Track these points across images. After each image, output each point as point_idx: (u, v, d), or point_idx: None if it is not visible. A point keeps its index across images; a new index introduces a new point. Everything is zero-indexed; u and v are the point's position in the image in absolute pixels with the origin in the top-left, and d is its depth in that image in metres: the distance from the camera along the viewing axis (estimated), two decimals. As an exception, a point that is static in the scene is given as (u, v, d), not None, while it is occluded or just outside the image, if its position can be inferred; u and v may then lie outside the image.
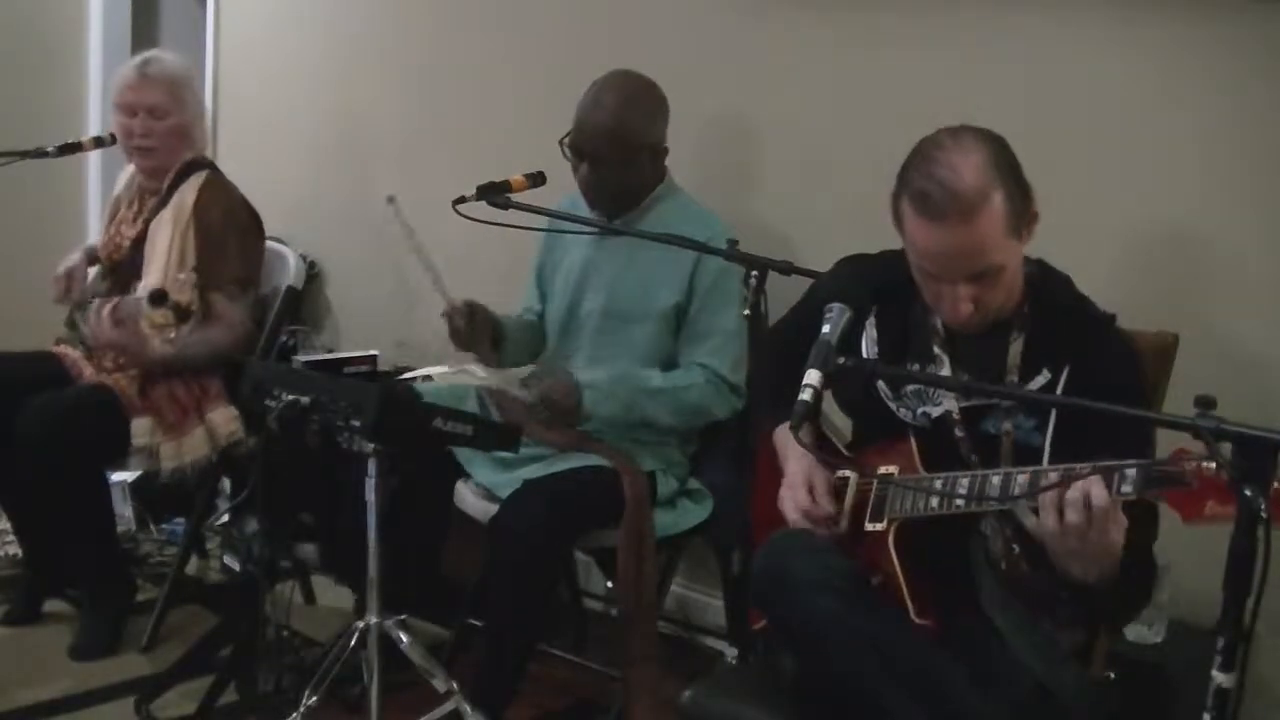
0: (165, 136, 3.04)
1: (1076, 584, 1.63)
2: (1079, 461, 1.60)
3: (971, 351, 1.89)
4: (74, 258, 3.13)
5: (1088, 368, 1.80)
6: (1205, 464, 1.43)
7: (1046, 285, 1.90)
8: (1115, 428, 1.63)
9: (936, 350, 1.92)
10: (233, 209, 3.07)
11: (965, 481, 1.74)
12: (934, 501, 1.78)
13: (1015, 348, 1.86)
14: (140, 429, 2.88)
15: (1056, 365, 1.82)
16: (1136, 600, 1.81)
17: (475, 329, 2.60)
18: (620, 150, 2.58)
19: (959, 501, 1.74)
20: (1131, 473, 1.53)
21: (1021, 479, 1.66)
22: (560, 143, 2.62)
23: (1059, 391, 1.80)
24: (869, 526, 1.89)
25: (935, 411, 1.90)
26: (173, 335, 2.83)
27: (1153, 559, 1.74)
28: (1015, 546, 1.82)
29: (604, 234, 2.62)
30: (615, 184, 2.62)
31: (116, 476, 3.37)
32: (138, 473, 3.27)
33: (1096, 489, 1.54)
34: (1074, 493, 1.55)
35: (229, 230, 3.03)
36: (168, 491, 3.19)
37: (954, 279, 1.78)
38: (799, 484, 1.95)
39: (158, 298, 2.74)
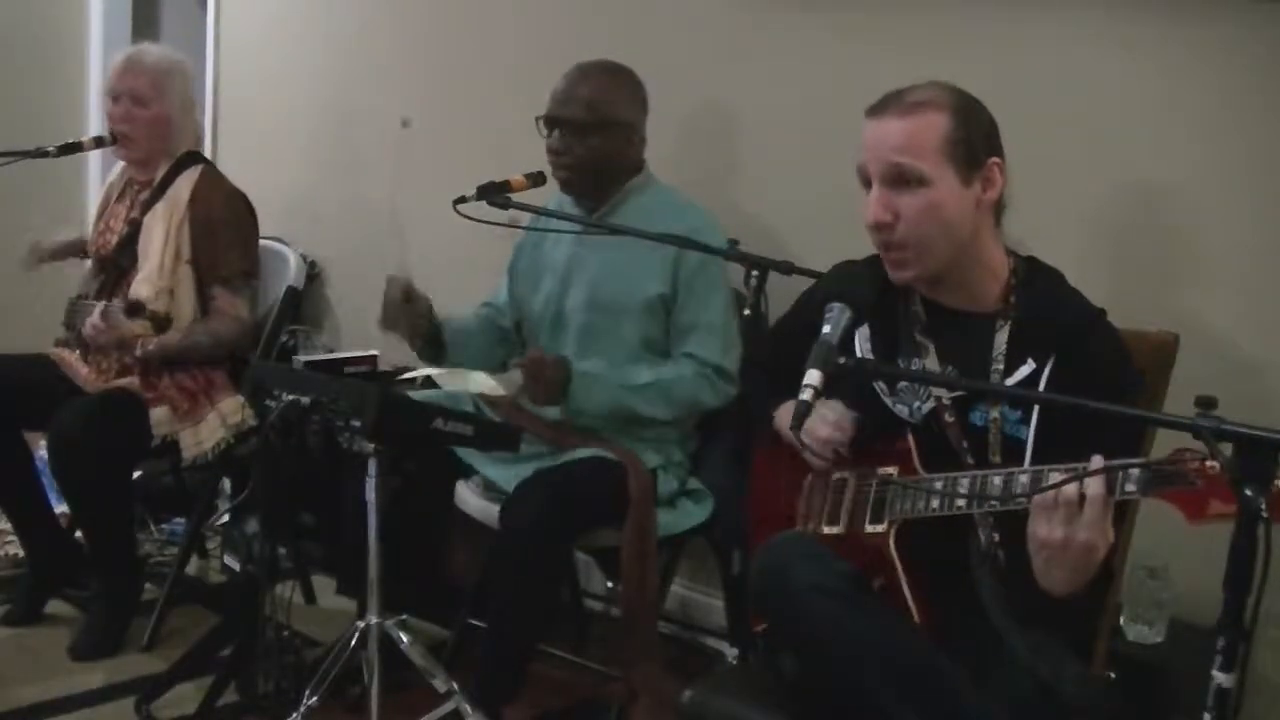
0: (145, 124, 3.04)
1: (1048, 597, 1.60)
2: (1063, 456, 1.59)
3: (955, 339, 1.88)
4: (61, 237, 3.15)
5: (1073, 361, 1.77)
6: (1209, 463, 1.41)
7: (1034, 279, 1.88)
8: (1102, 424, 1.61)
9: (919, 338, 1.90)
10: (232, 202, 3.08)
11: (966, 482, 1.74)
12: (935, 502, 1.77)
13: (1000, 337, 1.83)
14: (160, 417, 2.89)
15: (1042, 357, 1.79)
16: (1094, 611, 1.79)
17: (403, 312, 2.57)
18: (593, 114, 2.58)
19: (960, 502, 1.74)
20: (1135, 472, 1.51)
21: (1024, 479, 1.65)
22: (536, 120, 2.62)
23: (1044, 383, 1.78)
24: (869, 529, 1.88)
25: (927, 406, 1.89)
26: (152, 346, 2.86)
27: (1110, 568, 1.70)
28: (998, 540, 1.80)
29: (594, 232, 2.61)
30: (584, 154, 2.59)
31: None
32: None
33: (1094, 485, 1.52)
34: (1070, 489, 1.53)
35: (230, 224, 3.04)
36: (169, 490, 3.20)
37: (877, 174, 1.80)
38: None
39: (134, 309, 2.76)
